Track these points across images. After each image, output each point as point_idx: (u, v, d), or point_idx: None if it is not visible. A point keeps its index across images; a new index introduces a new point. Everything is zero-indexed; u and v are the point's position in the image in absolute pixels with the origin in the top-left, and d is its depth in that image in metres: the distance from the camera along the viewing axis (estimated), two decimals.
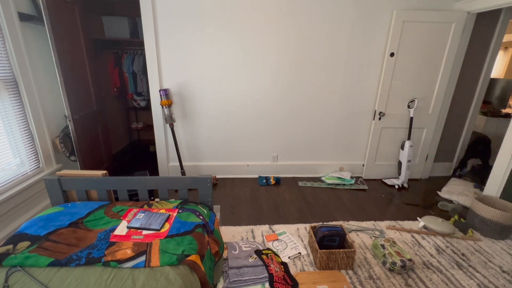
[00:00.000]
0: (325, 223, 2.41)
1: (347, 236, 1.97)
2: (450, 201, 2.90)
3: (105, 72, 3.74)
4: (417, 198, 3.00)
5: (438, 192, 3.07)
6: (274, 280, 1.66)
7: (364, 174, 3.44)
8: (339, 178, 3.30)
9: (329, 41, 2.91)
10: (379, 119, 3.16)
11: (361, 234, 2.32)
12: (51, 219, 1.56)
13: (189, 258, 1.30)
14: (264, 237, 2.24)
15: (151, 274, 1.21)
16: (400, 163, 3.22)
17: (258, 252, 1.92)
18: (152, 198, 2.12)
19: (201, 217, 1.64)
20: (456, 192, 2.97)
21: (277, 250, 2.09)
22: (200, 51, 2.85)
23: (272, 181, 3.24)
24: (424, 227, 2.39)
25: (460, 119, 3.39)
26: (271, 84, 3.03)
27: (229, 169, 3.36)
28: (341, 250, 1.86)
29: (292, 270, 1.89)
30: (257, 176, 3.40)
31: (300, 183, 3.25)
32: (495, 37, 3.02)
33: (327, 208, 2.75)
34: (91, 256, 1.30)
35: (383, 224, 2.47)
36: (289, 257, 2.01)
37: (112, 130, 3.70)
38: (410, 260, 1.88)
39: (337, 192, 3.08)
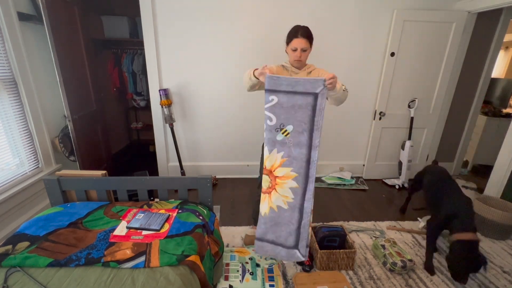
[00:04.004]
0: (325, 223, 2.40)
1: (347, 236, 1.96)
2: None
3: (104, 72, 3.74)
4: (417, 198, 2.99)
5: None
6: None
7: (365, 174, 3.43)
8: (340, 178, 3.30)
9: (329, 41, 2.90)
10: (380, 119, 3.15)
11: (362, 234, 2.31)
12: (51, 219, 1.55)
13: (188, 258, 1.29)
14: None
15: (150, 274, 1.21)
16: (400, 163, 3.22)
17: None
18: (152, 198, 2.11)
19: (200, 217, 1.64)
20: None
21: None
22: (200, 50, 2.84)
23: None
24: (425, 227, 2.38)
25: (461, 119, 3.38)
26: None
27: (229, 169, 3.35)
28: (341, 250, 1.85)
29: (292, 271, 1.88)
30: (257, 176, 3.38)
31: None
32: (495, 36, 3.02)
33: (327, 208, 2.74)
34: (90, 256, 1.29)
35: (383, 225, 2.46)
36: None
37: (111, 130, 3.70)
38: (410, 260, 1.88)
39: (338, 192, 3.08)
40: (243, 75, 1.78)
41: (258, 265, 1.84)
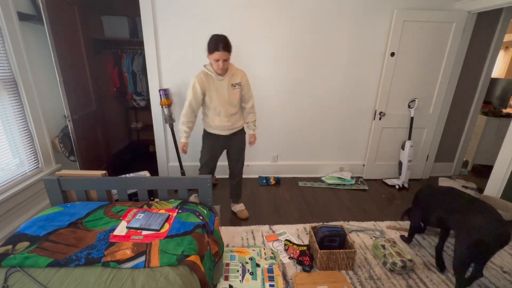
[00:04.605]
0: (325, 223, 2.40)
1: (347, 236, 1.96)
2: None
3: (104, 72, 3.73)
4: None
5: None
6: None
7: (365, 174, 3.43)
8: (340, 178, 3.30)
9: (329, 41, 2.90)
10: (380, 119, 3.15)
11: (362, 234, 2.31)
12: (51, 219, 1.55)
13: (188, 258, 1.29)
14: (264, 238, 2.23)
15: (150, 274, 1.21)
16: (400, 163, 3.21)
17: None
18: (152, 198, 2.11)
19: (200, 217, 1.64)
20: None
21: (277, 250, 2.08)
22: (200, 50, 2.83)
23: (272, 181, 3.23)
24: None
25: (461, 119, 3.38)
26: (271, 84, 3.02)
27: None
28: (341, 250, 1.85)
29: (293, 271, 1.88)
30: (257, 176, 3.39)
31: (300, 183, 3.24)
32: (495, 36, 3.02)
33: (327, 208, 2.74)
34: (90, 256, 1.29)
35: (383, 225, 2.46)
36: (289, 258, 2.00)
37: (111, 130, 3.69)
38: (410, 260, 1.87)
39: (337, 192, 3.08)
40: (180, 124, 2.22)
41: (258, 265, 1.84)
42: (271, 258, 1.92)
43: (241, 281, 1.72)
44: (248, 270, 1.80)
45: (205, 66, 2.04)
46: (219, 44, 1.85)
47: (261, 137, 3.25)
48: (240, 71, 2.14)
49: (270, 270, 1.81)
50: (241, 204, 2.61)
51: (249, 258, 1.91)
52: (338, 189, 3.14)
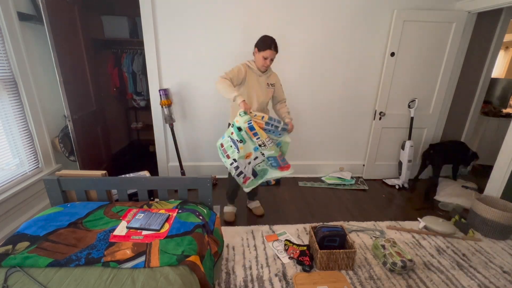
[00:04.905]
0: (325, 223, 2.40)
1: (347, 236, 1.96)
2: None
3: (104, 72, 3.73)
4: (418, 198, 2.99)
5: (436, 198, 2.98)
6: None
7: (365, 174, 3.43)
8: (339, 178, 3.30)
9: (329, 41, 2.90)
10: (380, 119, 3.15)
11: (362, 234, 2.31)
12: (51, 219, 1.55)
13: (189, 258, 1.29)
14: (264, 238, 2.23)
15: (150, 274, 1.21)
16: (400, 163, 3.21)
17: None
18: (152, 198, 2.11)
19: (200, 217, 1.64)
20: (452, 194, 2.94)
21: (277, 250, 2.08)
22: (200, 50, 2.84)
23: (272, 181, 3.23)
24: (425, 227, 2.38)
25: (461, 119, 3.38)
26: None
27: None
28: (341, 250, 1.85)
29: (293, 271, 1.88)
30: None
31: (300, 183, 3.24)
32: (495, 36, 3.02)
33: (327, 208, 2.74)
34: (90, 256, 1.29)
35: (383, 225, 2.46)
36: (289, 257, 2.00)
37: (111, 130, 3.69)
38: (410, 260, 1.87)
39: (337, 192, 3.08)
40: (221, 82, 2.00)
41: (240, 129, 1.90)
42: (245, 113, 1.89)
43: (238, 151, 1.94)
44: (237, 140, 1.93)
45: (248, 61, 2.12)
46: (272, 43, 1.99)
47: None
48: (274, 73, 2.25)
49: (251, 128, 1.89)
50: (257, 201, 2.67)
51: (231, 126, 1.96)
52: (338, 189, 3.14)
